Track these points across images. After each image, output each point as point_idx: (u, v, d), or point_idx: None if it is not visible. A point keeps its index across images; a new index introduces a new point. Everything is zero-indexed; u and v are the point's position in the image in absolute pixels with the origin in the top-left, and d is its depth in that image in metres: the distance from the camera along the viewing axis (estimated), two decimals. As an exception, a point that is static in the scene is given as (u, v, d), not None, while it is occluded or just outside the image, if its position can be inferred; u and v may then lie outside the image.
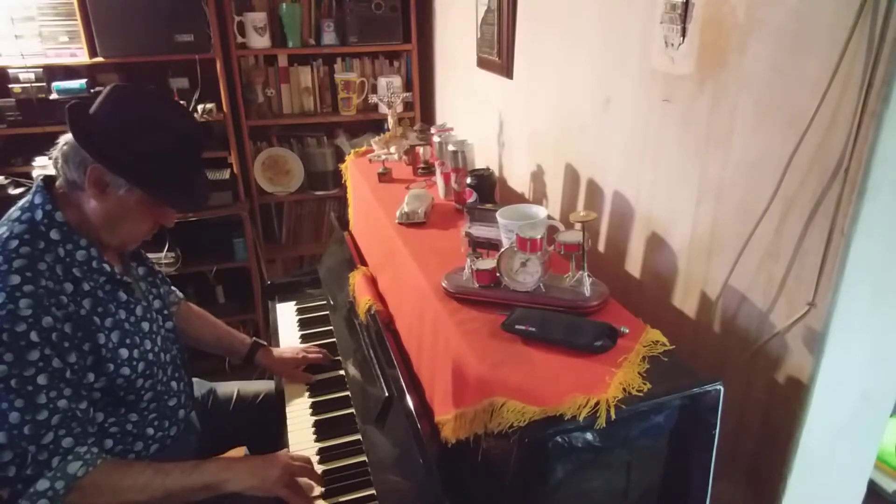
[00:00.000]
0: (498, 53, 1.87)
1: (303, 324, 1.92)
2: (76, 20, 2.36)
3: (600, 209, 1.44)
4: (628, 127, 1.30)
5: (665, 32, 1.14)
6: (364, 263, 1.72)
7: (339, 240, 2.00)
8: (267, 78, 2.74)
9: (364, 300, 1.50)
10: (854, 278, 0.88)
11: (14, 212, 1.18)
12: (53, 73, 2.45)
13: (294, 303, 2.04)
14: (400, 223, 1.52)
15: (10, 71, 2.38)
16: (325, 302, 1.98)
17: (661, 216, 1.25)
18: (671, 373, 0.91)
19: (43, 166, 2.34)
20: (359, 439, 1.41)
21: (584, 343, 0.96)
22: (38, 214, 1.16)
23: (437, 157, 1.66)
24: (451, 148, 1.56)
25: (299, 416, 1.52)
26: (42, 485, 1.06)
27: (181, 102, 1.39)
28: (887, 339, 0.96)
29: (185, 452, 1.43)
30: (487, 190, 1.55)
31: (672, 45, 1.13)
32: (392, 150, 1.98)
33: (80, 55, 2.41)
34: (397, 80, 2.75)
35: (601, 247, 1.46)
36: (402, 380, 1.23)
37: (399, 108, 2.03)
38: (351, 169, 2.05)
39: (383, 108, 2.42)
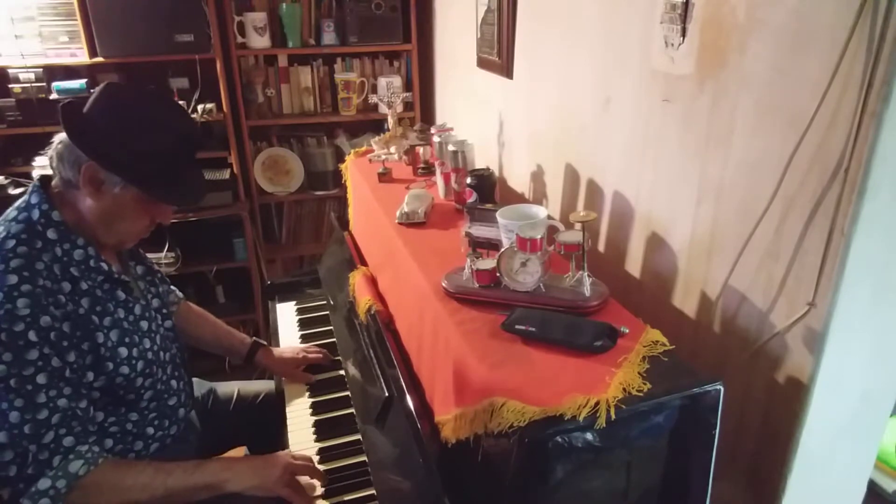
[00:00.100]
0: (498, 53, 1.88)
1: (303, 324, 1.92)
2: (76, 20, 2.36)
3: (600, 209, 1.44)
4: (628, 127, 1.30)
5: (665, 32, 1.14)
6: (364, 263, 1.72)
7: (339, 240, 2.00)
8: (267, 78, 2.74)
9: (364, 300, 1.50)
10: (854, 278, 0.88)
11: (11, 212, 1.18)
12: (53, 73, 2.45)
13: (294, 303, 2.04)
14: (400, 223, 1.52)
15: (10, 71, 2.38)
16: (325, 302, 1.98)
17: (661, 216, 1.25)
18: (671, 373, 0.91)
19: (43, 166, 2.34)
20: (359, 439, 1.41)
21: (584, 343, 0.96)
22: (35, 214, 1.16)
23: (437, 157, 1.66)
24: (451, 148, 1.56)
25: (299, 416, 1.52)
26: (43, 484, 1.06)
27: (176, 100, 1.39)
28: (887, 339, 0.96)
29: (186, 452, 1.43)
30: (487, 190, 1.55)
31: (672, 45, 1.13)
32: (392, 150, 1.98)
33: (80, 55, 2.41)
34: (397, 80, 2.74)
35: (601, 247, 1.46)
36: (402, 380, 1.23)
37: (399, 108, 2.03)
38: (351, 169, 2.05)
39: (383, 108, 2.42)
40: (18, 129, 2.42)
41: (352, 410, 1.50)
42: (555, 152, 1.63)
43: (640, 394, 0.86)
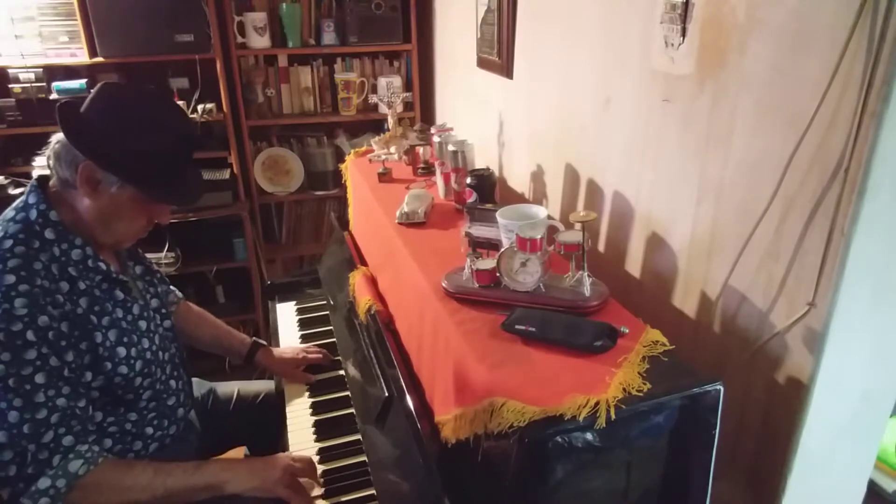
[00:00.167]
0: (498, 53, 1.88)
1: (303, 324, 1.92)
2: (76, 20, 2.36)
3: (600, 209, 1.44)
4: (628, 127, 1.30)
5: (665, 32, 1.14)
6: (364, 263, 1.72)
7: (339, 240, 2.00)
8: (267, 78, 2.74)
9: (364, 300, 1.50)
10: (854, 278, 0.88)
11: (9, 212, 1.19)
12: (53, 73, 2.45)
13: (294, 303, 2.04)
14: (400, 223, 1.52)
15: (10, 71, 2.38)
16: (325, 302, 1.98)
17: (661, 216, 1.25)
18: (671, 373, 0.91)
19: (43, 166, 2.33)
20: (359, 439, 1.41)
21: (584, 343, 0.96)
22: (33, 214, 1.16)
23: (437, 157, 1.66)
24: (451, 148, 1.56)
25: (299, 416, 1.52)
26: (43, 483, 1.07)
27: (175, 100, 1.39)
28: (887, 339, 0.96)
29: (185, 452, 1.43)
30: (487, 190, 1.55)
31: (672, 45, 1.13)
32: (392, 150, 1.98)
33: (80, 55, 2.41)
34: (397, 80, 2.74)
35: (601, 247, 1.46)
36: (402, 380, 1.23)
37: (399, 108, 2.03)
38: (351, 169, 2.05)
39: (383, 108, 2.42)
40: (18, 129, 2.42)
41: (352, 410, 1.50)
42: (555, 152, 1.63)
43: (640, 394, 0.86)
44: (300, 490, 1.24)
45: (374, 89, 2.77)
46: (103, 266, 1.22)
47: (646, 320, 1.05)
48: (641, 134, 1.26)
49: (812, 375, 0.94)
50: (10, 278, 1.07)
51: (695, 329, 1.19)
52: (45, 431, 1.07)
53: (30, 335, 1.06)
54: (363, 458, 1.35)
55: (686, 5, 1.09)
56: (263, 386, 1.72)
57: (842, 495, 1.11)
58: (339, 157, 2.79)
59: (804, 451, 0.99)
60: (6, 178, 2.46)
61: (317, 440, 1.43)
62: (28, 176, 2.42)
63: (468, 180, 1.55)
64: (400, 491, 1.18)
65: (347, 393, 1.57)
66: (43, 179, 1.23)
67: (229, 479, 1.20)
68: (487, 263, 1.15)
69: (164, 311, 1.42)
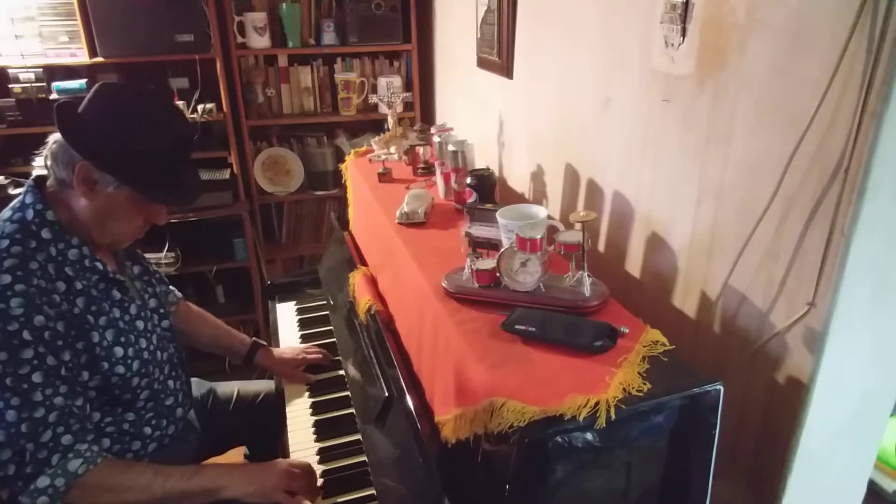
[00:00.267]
0: (498, 53, 1.87)
1: (303, 324, 1.92)
2: (76, 20, 2.36)
3: (600, 209, 1.43)
4: (628, 127, 1.30)
5: (665, 32, 1.14)
6: (364, 263, 1.72)
7: (339, 240, 2.00)
8: (267, 78, 2.74)
9: (364, 300, 1.49)
10: (854, 278, 0.88)
11: (5, 212, 1.19)
12: (53, 73, 2.45)
13: (294, 303, 2.04)
14: (400, 223, 1.52)
15: (10, 71, 2.38)
16: (325, 302, 1.98)
17: (661, 216, 1.25)
18: (671, 373, 0.91)
19: (42, 166, 2.33)
20: (359, 439, 1.41)
21: (584, 343, 0.96)
22: (30, 214, 1.16)
23: (437, 157, 1.66)
24: (451, 148, 1.56)
25: (299, 416, 1.52)
26: (42, 482, 1.07)
27: (174, 100, 1.38)
28: (887, 339, 0.96)
29: (185, 452, 1.43)
30: (487, 190, 1.55)
31: (672, 45, 1.13)
32: (392, 150, 1.98)
33: (80, 55, 2.41)
34: (397, 80, 2.74)
35: (601, 247, 1.46)
36: (402, 380, 1.23)
37: (399, 108, 2.03)
38: (351, 169, 2.05)
39: (383, 108, 2.42)
40: (18, 129, 2.42)
41: (352, 410, 1.50)
42: (555, 152, 1.63)
43: (640, 394, 0.86)
44: (298, 496, 1.24)
45: (374, 89, 2.77)
46: (100, 266, 1.22)
47: (646, 320, 1.05)
48: (641, 134, 1.26)
49: (812, 375, 0.94)
50: (7, 278, 1.07)
51: (695, 329, 1.19)
52: (43, 430, 1.07)
53: (26, 335, 1.06)
54: (363, 458, 1.35)
55: (686, 5, 1.09)
56: (263, 386, 1.72)
57: (842, 495, 1.11)
58: (339, 157, 2.79)
59: (804, 451, 0.99)
60: (6, 178, 2.46)
61: (317, 440, 1.43)
62: (28, 176, 2.40)
63: (468, 180, 1.55)
64: (400, 491, 1.18)
65: (347, 393, 1.57)
66: (40, 179, 1.23)
67: (227, 483, 1.20)
68: (487, 263, 1.15)
69: (162, 311, 1.42)
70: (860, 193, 0.83)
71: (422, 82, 2.87)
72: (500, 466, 0.92)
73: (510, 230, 1.15)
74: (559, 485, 0.86)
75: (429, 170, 1.86)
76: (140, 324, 1.30)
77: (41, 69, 2.39)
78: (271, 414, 1.57)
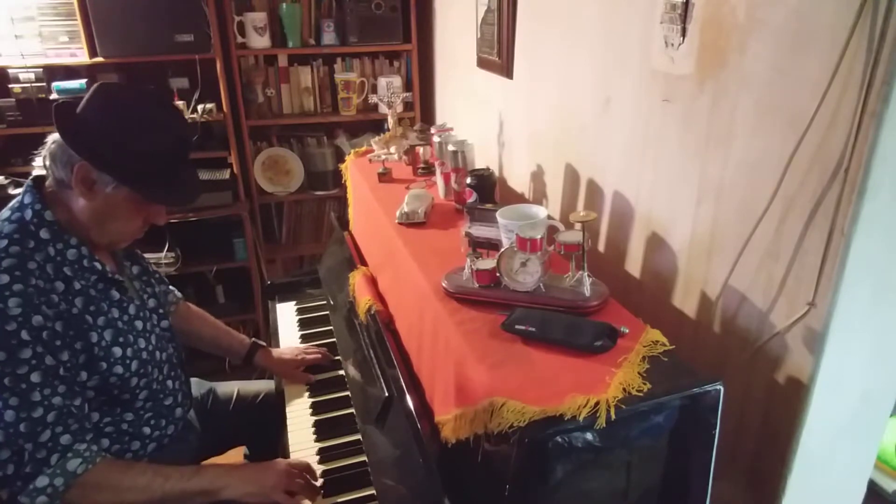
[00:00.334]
0: (498, 53, 1.87)
1: (303, 324, 1.91)
2: (76, 20, 2.36)
3: (600, 209, 1.43)
4: (628, 127, 1.30)
5: (665, 32, 1.14)
6: (364, 263, 1.72)
7: (339, 240, 2.00)
8: (267, 78, 2.74)
9: (364, 300, 1.49)
10: (854, 278, 0.88)
11: (4, 212, 1.19)
12: (53, 73, 2.45)
13: (294, 303, 2.04)
14: (400, 223, 1.52)
15: (10, 71, 2.38)
16: (325, 302, 1.98)
17: (661, 216, 1.24)
18: (671, 373, 0.91)
19: (41, 166, 2.34)
20: (359, 439, 1.41)
21: (584, 343, 0.96)
22: (28, 214, 1.16)
23: (437, 157, 1.66)
24: (451, 148, 1.56)
25: (299, 416, 1.52)
26: (41, 481, 1.07)
27: (173, 100, 1.38)
28: (887, 339, 0.96)
29: (185, 452, 1.43)
30: (487, 190, 1.55)
31: (672, 45, 1.13)
32: (392, 150, 1.98)
33: (80, 55, 2.41)
34: (397, 80, 2.74)
35: (601, 247, 1.46)
36: (402, 380, 1.23)
37: (399, 108, 2.03)
38: (351, 169, 2.05)
39: (383, 108, 2.42)
40: (18, 129, 2.42)
41: (352, 410, 1.50)
42: (555, 152, 1.63)
43: (640, 394, 0.86)
44: (297, 497, 1.24)
45: (374, 89, 2.77)
46: (98, 266, 1.22)
47: (646, 320, 1.05)
48: (641, 134, 1.26)
49: (812, 375, 0.94)
50: (5, 278, 1.07)
51: (695, 329, 1.19)
52: (42, 430, 1.07)
53: (24, 334, 1.06)
54: (363, 458, 1.35)
55: (686, 5, 1.09)
56: (263, 386, 1.72)
57: (842, 495, 1.11)
58: (339, 157, 2.79)
59: (804, 451, 0.99)
60: (6, 178, 2.46)
61: (317, 440, 1.43)
62: (27, 176, 2.41)
63: (468, 180, 1.55)
64: (400, 491, 1.18)
65: (347, 393, 1.57)
66: (39, 180, 1.23)
67: (227, 484, 1.20)
68: (487, 263, 1.15)
69: (161, 311, 1.42)
70: (860, 193, 0.83)
71: (422, 82, 2.87)
72: (500, 466, 0.92)
73: (510, 230, 1.15)
74: (559, 485, 0.86)
75: (429, 170, 1.86)
76: (139, 324, 1.30)
77: (41, 69, 2.38)
78: (271, 414, 1.57)
